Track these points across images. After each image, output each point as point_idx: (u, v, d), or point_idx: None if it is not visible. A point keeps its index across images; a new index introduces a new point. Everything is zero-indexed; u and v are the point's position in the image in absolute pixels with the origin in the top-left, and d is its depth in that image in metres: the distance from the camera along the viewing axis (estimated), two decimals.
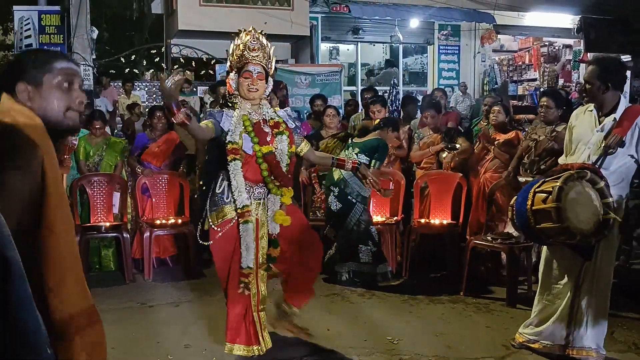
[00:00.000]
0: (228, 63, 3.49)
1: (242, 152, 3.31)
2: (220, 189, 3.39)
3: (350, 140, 5.29)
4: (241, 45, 3.37)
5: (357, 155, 4.96)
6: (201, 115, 3.24)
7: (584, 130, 3.45)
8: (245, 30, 3.42)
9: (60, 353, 1.51)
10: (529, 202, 3.20)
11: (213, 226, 3.37)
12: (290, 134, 3.46)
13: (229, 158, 3.31)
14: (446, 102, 7.05)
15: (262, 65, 3.38)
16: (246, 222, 3.33)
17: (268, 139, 3.38)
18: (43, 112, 1.62)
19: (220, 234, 3.36)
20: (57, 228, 1.54)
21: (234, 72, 3.42)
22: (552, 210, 3.08)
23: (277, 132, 3.40)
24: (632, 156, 3.34)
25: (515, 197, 3.42)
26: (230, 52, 3.44)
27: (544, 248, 3.63)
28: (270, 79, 3.48)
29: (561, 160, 3.75)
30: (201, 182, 3.60)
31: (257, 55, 3.37)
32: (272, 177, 3.37)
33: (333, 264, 5.06)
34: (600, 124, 3.39)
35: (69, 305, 1.55)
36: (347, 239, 4.99)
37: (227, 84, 3.48)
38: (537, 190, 3.22)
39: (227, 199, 3.36)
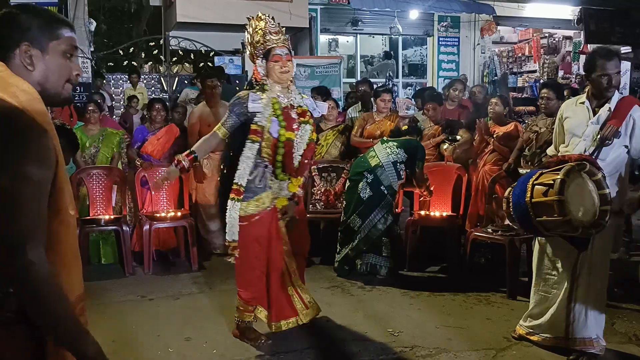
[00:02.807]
0: (248, 51, 3.56)
1: (268, 135, 3.38)
2: (253, 176, 3.44)
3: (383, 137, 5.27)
4: (260, 31, 3.42)
5: (397, 149, 4.96)
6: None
7: (579, 122, 3.44)
8: (254, 18, 3.47)
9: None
10: (528, 195, 3.18)
11: (250, 212, 3.43)
12: (313, 123, 3.56)
13: (249, 138, 3.37)
14: (463, 95, 6.93)
15: (287, 47, 3.46)
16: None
17: (294, 126, 3.46)
18: (44, 81, 1.51)
19: (257, 217, 3.44)
20: (67, 217, 1.49)
21: (260, 58, 3.46)
22: (554, 203, 3.06)
23: (302, 121, 3.48)
24: (626, 146, 3.35)
25: (510, 189, 3.41)
26: (249, 41, 3.49)
27: (536, 239, 3.62)
28: (295, 62, 3.63)
29: (549, 151, 3.73)
30: (222, 166, 3.60)
31: (279, 38, 3.45)
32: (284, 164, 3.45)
33: (355, 256, 5.01)
34: (595, 115, 3.38)
35: (71, 294, 1.52)
36: (374, 230, 4.94)
37: (255, 72, 3.53)
38: (535, 182, 3.20)
39: (262, 185, 3.46)
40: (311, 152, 3.61)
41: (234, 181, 3.39)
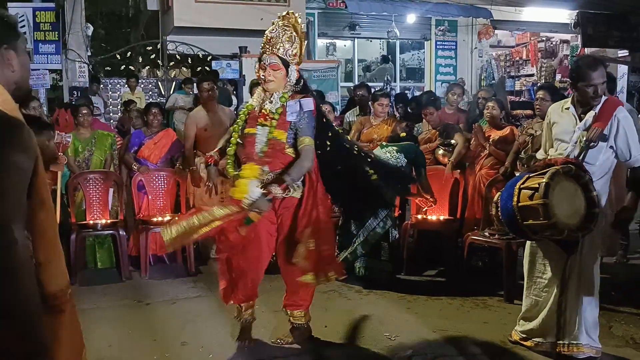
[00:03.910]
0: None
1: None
2: None
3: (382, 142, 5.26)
4: (266, 35, 3.45)
5: (397, 154, 4.96)
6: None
7: (566, 128, 3.43)
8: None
9: (50, 325, 1.53)
10: (515, 199, 3.19)
11: None
12: (280, 123, 3.38)
13: None
14: (461, 100, 6.95)
15: (277, 56, 3.39)
16: None
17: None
18: (20, 80, 1.57)
19: None
20: (48, 204, 1.57)
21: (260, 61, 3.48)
22: (539, 207, 3.07)
23: (259, 123, 3.41)
24: (611, 147, 3.34)
25: (498, 194, 3.41)
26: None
27: (528, 242, 3.62)
28: (293, 68, 3.44)
29: (539, 155, 3.74)
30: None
31: (271, 46, 3.40)
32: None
33: (354, 260, 4.99)
34: (581, 120, 3.38)
35: (56, 280, 1.58)
36: (373, 234, 4.92)
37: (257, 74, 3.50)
38: (522, 186, 3.21)
39: None
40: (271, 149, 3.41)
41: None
